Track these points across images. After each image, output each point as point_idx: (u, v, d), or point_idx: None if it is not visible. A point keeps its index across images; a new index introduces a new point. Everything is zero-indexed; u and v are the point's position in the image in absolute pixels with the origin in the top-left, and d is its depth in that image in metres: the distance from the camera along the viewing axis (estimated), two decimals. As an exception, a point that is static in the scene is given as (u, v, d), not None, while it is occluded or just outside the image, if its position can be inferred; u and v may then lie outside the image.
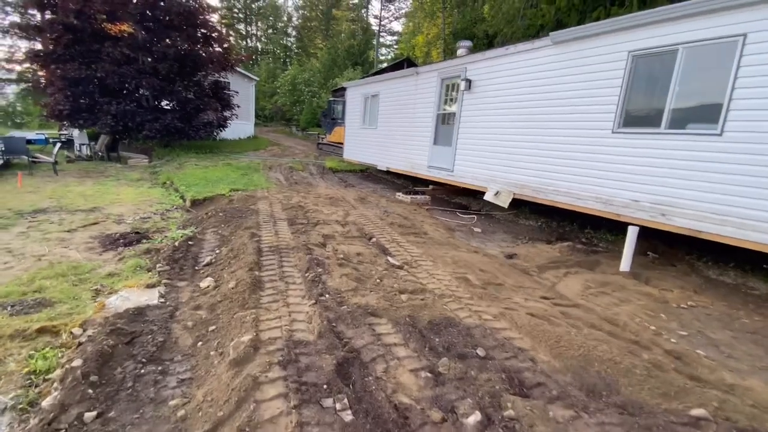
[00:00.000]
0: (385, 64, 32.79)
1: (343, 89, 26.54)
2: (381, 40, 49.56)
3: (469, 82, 7.65)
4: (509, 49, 6.81)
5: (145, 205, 7.32)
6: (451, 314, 3.23)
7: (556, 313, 3.51)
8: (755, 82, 3.90)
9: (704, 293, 4.46)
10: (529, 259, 5.32)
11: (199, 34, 14.50)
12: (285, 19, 50.63)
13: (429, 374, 2.42)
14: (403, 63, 22.05)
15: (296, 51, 46.75)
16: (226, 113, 15.83)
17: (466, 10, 22.17)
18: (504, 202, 6.97)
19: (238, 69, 20.00)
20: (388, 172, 12.80)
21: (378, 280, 3.84)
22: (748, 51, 3.92)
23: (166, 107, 15.00)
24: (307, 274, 3.84)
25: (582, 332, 3.14)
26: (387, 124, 10.86)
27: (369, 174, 13.81)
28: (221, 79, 16.25)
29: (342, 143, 17.33)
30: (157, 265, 4.19)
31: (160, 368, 2.51)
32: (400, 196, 8.85)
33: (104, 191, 8.32)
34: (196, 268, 4.20)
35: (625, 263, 4.99)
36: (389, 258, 4.57)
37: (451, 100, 8.38)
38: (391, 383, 2.33)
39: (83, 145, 13.80)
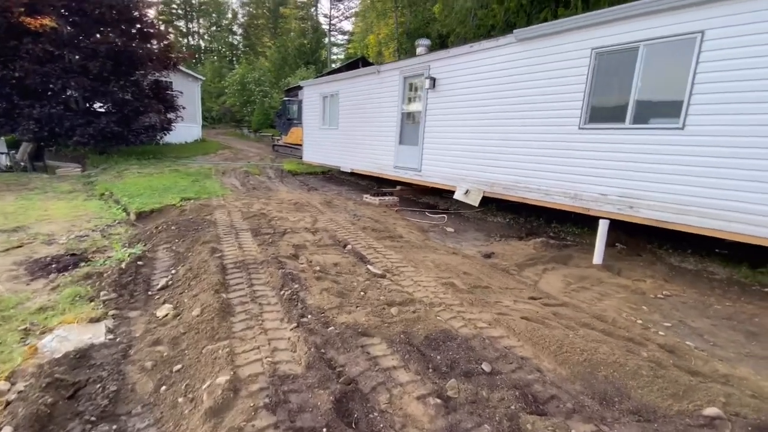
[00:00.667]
0: (337, 64, 32.29)
1: (297, 89, 25.74)
2: (332, 39, 48.93)
3: (433, 80, 7.54)
4: (473, 47, 6.77)
5: (81, 221, 6.44)
6: (446, 325, 3.02)
7: (548, 315, 3.42)
8: (714, 77, 4.09)
9: (673, 281, 4.64)
10: (506, 257, 5.28)
11: (135, 30, 13.24)
12: (230, 16, 48.30)
13: (438, 400, 2.18)
14: (358, 62, 21.75)
15: (243, 49, 44.76)
16: (170, 115, 14.63)
17: (419, 9, 22.31)
18: (474, 200, 6.93)
19: (181, 68, 18.65)
20: (351, 174, 12.47)
21: (362, 293, 3.55)
22: (707, 47, 4.10)
23: (100, 110, 13.56)
24: (282, 292, 3.45)
25: (578, 333, 3.06)
26: (349, 124, 10.53)
27: (331, 176, 13.39)
28: (163, 79, 14.99)
29: (299, 144, 16.72)
30: (101, 293, 3.59)
31: (115, 427, 2.05)
32: (367, 198, 8.58)
33: (29, 207, 7.24)
34: (150, 293, 3.65)
35: (598, 256, 5.09)
36: (369, 267, 4.29)
37: (416, 98, 8.24)
38: (398, 417, 2.06)
39: (1, 154, 12.09)
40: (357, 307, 3.25)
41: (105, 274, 4.06)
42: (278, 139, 19.24)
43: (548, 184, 5.83)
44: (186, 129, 19.13)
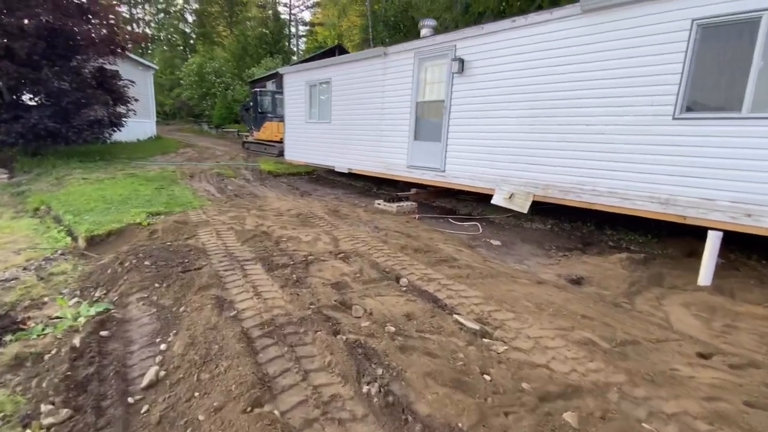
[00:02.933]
0: (299, 56, 30.20)
1: (264, 79, 23.58)
2: (294, 30, 46.38)
3: (461, 62, 6.30)
4: (516, 21, 5.60)
5: (7, 251, 4.61)
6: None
7: (755, 388, 2.33)
8: None
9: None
10: (600, 283, 4.18)
11: (72, 4, 10.87)
12: (180, 1, 44.29)
13: None
14: (334, 50, 20.09)
15: (197, 38, 41.17)
16: (120, 108, 12.35)
17: (396, -5, 21.04)
18: (521, 206, 5.81)
19: (131, 55, 16.12)
20: (339, 174, 11.01)
21: (485, 377, 2.26)
22: None
23: (30, 102, 11.09)
24: (366, 390, 2.09)
25: None
26: (345, 117, 9.07)
27: (318, 176, 11.84)
28: (108, 66, 12.60)
29: (275, 141, 14.99)
30: (42, 408, 2.05)
31: None
32: (381, 205, 7.23)
33: (-75, 233, 5.23)
34: (130, 400, 2.14)
35: (706, 276, 4.12)
36: (458, 317, 3.00)
37: (436, 85, 6.97)
38: None
39: None
40: (502, 413, 1.96)
41: (47, 360, 2.48)
42: (248, 136, 17.24)
43: (626, 186, 4.79)
44: (138, 125, 16.63)
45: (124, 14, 44.65)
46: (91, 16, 11.56)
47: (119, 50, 12.42)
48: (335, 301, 3.14)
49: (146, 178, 9.25)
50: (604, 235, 6.12)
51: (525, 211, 5.79)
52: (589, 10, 4.84)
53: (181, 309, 3.01)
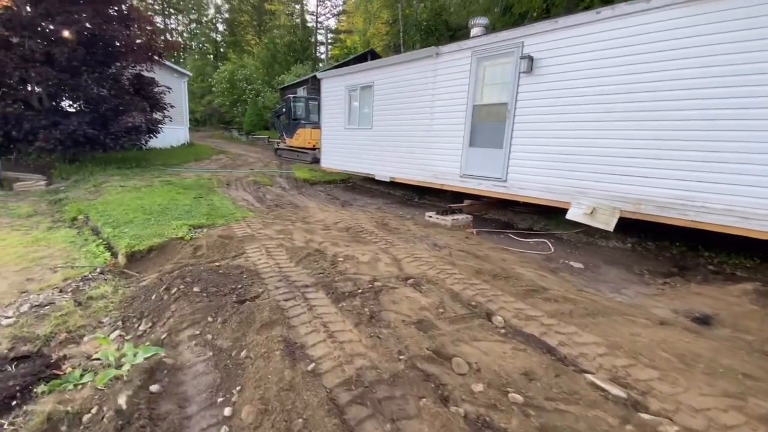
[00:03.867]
0: (322, 63, 30.10)
1: (294, 86, 23.51)
2: (319, 38, 46.75)
3: (530, 60, 5.64)
4: (602, 12, 4.91)
5: (42, 269, 4.25)
6: None
7: None
8: None
9: None
10: (734, 324, 3.40)
11: (113, 12, 10.86)
12: (212, 11, 45.45)
13: None
14: (366, 55, 19.75)
15: (227, 47, 41.99)
16: (157, 115, 12.27)
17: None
18: (606, 223, 5.06)
19: (166, 62, 16.23)
20: (376, 182, 10.46)
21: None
22: None
23: (70, 109, 11.13)
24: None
25: None
26: (388, 122, 8.53)
27: (354, 184, 11.35)
28: (146, 73, 12.58)
29: (308, 148, 14.65)
30: None
31: None
32: (433, 218, 6.60)
33: (-37, 245, 4.98)
34: (196, 501, 1.59)
35: None
36: (591, 378, 2.33)
37: (497, 86, 6.32)
38: None
39: (-62, 164, 9.56)
40: None
41: (87, 423, 1.98)
42: (279, 143, 17.01)
43: (749, 204, 3.99)
44: (172, 132, 16.70)
45: (158, 24, 46.32)
46: (130, 24, 11.55)
47: (156, 57, 12.39)
48: (427, 349, 2.53)
49: (183, 186, 8.96)
50: (700, 258, 5.28)
51: (611, 229, 5.04)
52: (701, -5, 4.11)
53: (243, 354, 2.47)
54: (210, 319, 2.87)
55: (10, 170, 10.72)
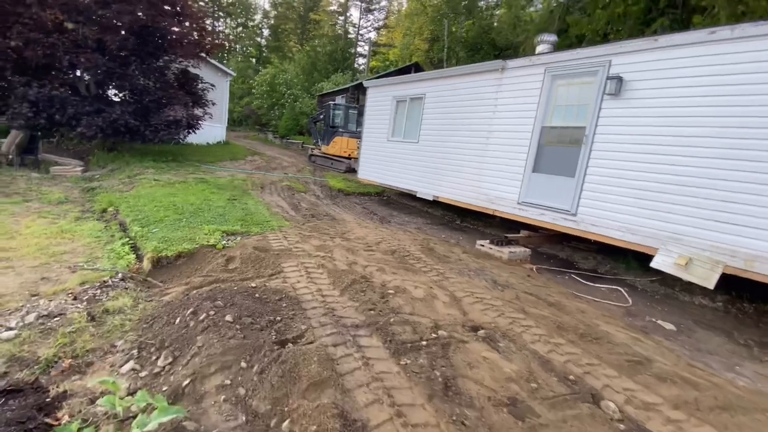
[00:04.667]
0: (363, 74, 30.08)
1: (331, 94, 23.45)
2: (359, 50, 47.27)
3: (619, 81, 4.94)
4: (716, 32, 4.18)
5: (59, 266, 3.82)
6: None
7: None
8: None
9: None
10: None
11: (168, 6, 10.87)
12: (259, 16, 46.81)
13: None
14: (410, 68, 19.41)
15: (270, 51, 42.92)
16: (198, 111, 12.16)
17: (479, 17, 20.10)
18: (704, 278, 4.23)
19: (212, 60, 16.36)
20: (412, 198, 9.85)
21: None
22: None
23: (114, 98, 11.13)
24: None
25: None
26: (437, 137, 7.95)
27: (389, 199, 10.78)
28: (191, 69, 12.54)
29: (342, 156, 14.25)
30: None
31: None
32: (486, 247, 5.90)
33: (-14, 229, 4.65)
34: None
35: None
36: None
37: (573, 108, 5.63)
38: None
39: (-16, 142, 9.61)
40: None
41: None
42: (315, 149, 16.73)
43: None
44: (210, 129, 16.69)
45: (208, 26, 48.11)
46: (183, 19, 11.57)
47: (204, 54, 12.35)
48: (535, 451, 1.84)
49: (217, 185, 8.62)
50: (816, 330, 4.35)
51: (711, 286, 4.20)
52: None
53: (285, 427, 1.85)
54: (244, 364, 2.28)
55: (51, 153, 10.75)
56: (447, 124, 7.70)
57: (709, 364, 3.36)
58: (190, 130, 11.78)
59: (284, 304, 3.07)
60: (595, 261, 6.34)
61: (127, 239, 4.75)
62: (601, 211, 5.21)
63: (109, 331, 2.79)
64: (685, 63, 4.45)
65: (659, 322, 4.21)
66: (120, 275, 3.76)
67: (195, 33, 11.85)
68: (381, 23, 48.84)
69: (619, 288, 5.14)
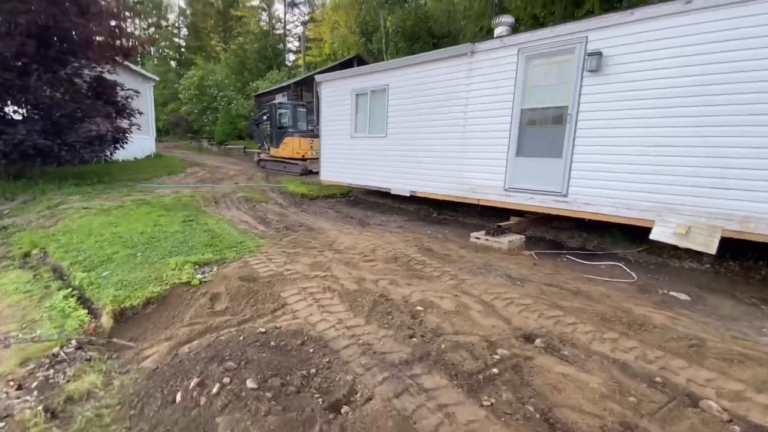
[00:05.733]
0: (294, 72, 28.82)
1: (269, 94, 22.06)
2: (288, 45, 45.41)
3: (599, 57, 4.89)
4: (694, 3, 4.22)
5: (-15, 345, 2.85)
6: None
7: None
8: None
9: None
10: None
11: (69, 1, 9.19)
12: (173, 15, 42.92)
13: None
14: (352, 61, 18.76)
15: (192, 52, 39.55)
16: (123, 123, 10.59)
17: (416, 5, 19.94)
18: (705, 245, 4.31)
19: (129, 64, 14.44)
20: (381, 195, 9.46)
21: None
22: None
23: (13, 115, 9.28)
24: None
25: None
26: (408, 130, 7.56)
27: (357, 199, 10.25)
28: (107, 75, 10.82)
29: (295, 158, 13.40)
30: None
31: None
32: (482, 239, 5.66)
33: None
34: None
35: None
36: None
37: (551, 88, 5.52)
38: None
39: None
40: None
41: None
42: (261, 153, 15.56)
43: None
44: (137, 142, 14.78)
45: (122, 25, 43.10)
46: (90, 17, 9.89)
47: (120, 58, 10.74)
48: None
49: (163, 206, 7.49)
50: (799, 281, 4.66)
51: (713, 252, 4.29)
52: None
53: None
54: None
55: (-65, 190, 8.70)
56: (417, 116, 7.34)
57: (743, 332, 3.36)
58: (117, 146, 10.22)
59: (310, 350, 2.50)
60: (581, 239, 6.39)
61: (70, 289, 3.78)
62: (594, 189, 5.18)
63: (81, 430, 2.04)
64: (664, 34, 4.47)
65: (671, 293, 4.22)
66: (74, 342, 2.90)
67: (107, 33, 10.22)
68: (306, 17, 47.22)
69: (616, 263, 5.17)
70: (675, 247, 5.46)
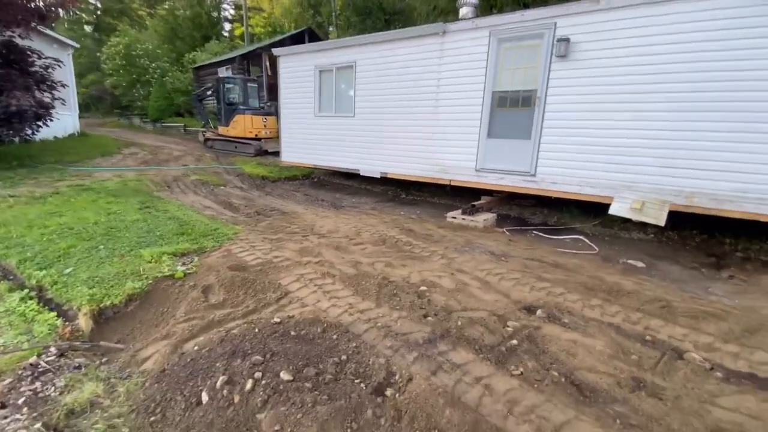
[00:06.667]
0: (238, 42, 26.80)
1: (210, 66, 20.32)
2: (224, 14, 41.91)
3: (566, 43, 5.15)
4: (653, -7, 4.58)
5: (-63, 361, 2.44)
6: None
7: None
8: None
9: None
10: None
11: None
12: (83, -29, 37.26)
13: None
14: (303, 34, 17.77)
15: (112, 16, 34.90)
16: (45, 97, 9.20)
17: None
18: (656, 218, 4.86)
19: (43, 29, 12.44)
20: (346, 176, 9.38)
21: None
22: None
23: None
24: None
25: None
26: (377, 109, 7.46)
27: (321, 180, 10.01)
28: (18, 41, 9.22)
29: (248, 138, 12.68)
30: None
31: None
32: (459, 219, 5.85)
33: None
34: None
35: None
36: None
37: (522, 71, 5.74)
38: None
39: None
40: None
41: None
42: (206, 132, 14.44)
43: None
44: (58, 119, 13.00)
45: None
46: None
47: (35, 21, 9.18)
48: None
49: (109, 192, 6.74)
50: (723, 245, 5.45)
51: (662, 224, 4.86)
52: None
53: None
54: (358, 438, 1.72)
55: None
56: (388, 95, 7.25)
57: (695, 292, 3.89)
58: (40, 123, 8.88)
59: (334, 336, 2.47)
60: (542, 215, 6.86)
61: (27, 291, 3.32)
62: (560, 169, 5.56)
63: (100, 447, 1.86)
64: (627, 24, 4.81)
65: (630, 261, 4.73)
66: (53, 349, 2.59)
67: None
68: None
69: (578, 237, 5.65)
70: (624, 221, 6.09)
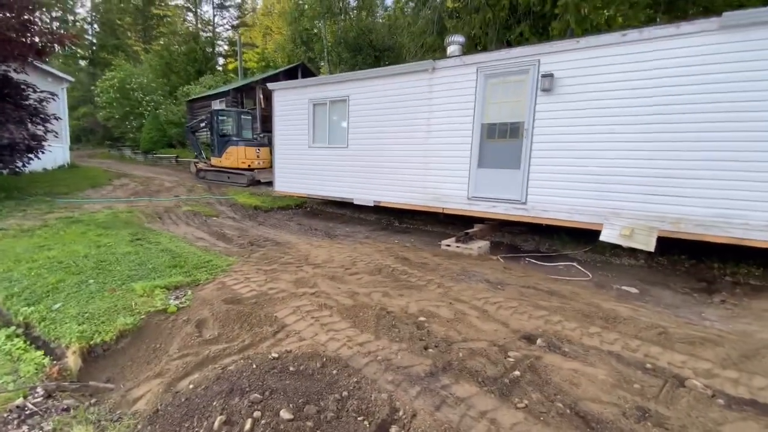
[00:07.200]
0: (227, 78, 27.52)
1: (204, 99, 20.72)
2: (218, 49, 43.29)
3: (551, 78, 5.43)
4: (627, 35, 4.90)
5: None
6: None
7: None
8: None
9: None
10: None
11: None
12: (83, 10, 38.51)
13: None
14: (297, 69, 18.34)
15: (107, 51, 35.66)
16: (38, 129, 9.22)
17: (358, 17, 20.17)
18: (645, 243, 4.97)
19: (39, 64, 12.65)
20: (338, 205, 9.45)
21: None
22: None
23: None
24: None
25: None
26: (370, 141, 7.64)
27: (313, 209, 10.05)
28: (13, 75, 9.36)
29: (240, 169, 12.77)
30: None
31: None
32: (453, 247, 5.90)
33: None
34: None
35: None
36: None
37: (508, 104, 5.98)
38: None
39: None
40: None
41: None
42: (198, 163, 14.51)
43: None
44: (50, 150, 12.97)
45: (33, 19, 37.28)
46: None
47: (31, 56, 9.35)
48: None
49: (99, 224, 6.66)
50: (712, 270, 5.56)
51: (651, 249, 4.97)
52: (730, 26, 4.29)
53: None
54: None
55: None
56: (380, 127, 7.45)
57: (689, 317, 3.93)
58: (32, 156, 8.85)
59: (334, 371, 2.43)
60: (534, 242, 6.96)
61: (13, 328, 3.21)
62: (550, 197, 5.70)
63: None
64: (606, 61, 5.12)
65: (624, 288, 4.79)
66: (40, 390, 2.48)
67: (15, 27, 8.87)
68: (236, 21, 45.35)
69: (570, 263, 5.72)
70: (614, 247, 6.20)
